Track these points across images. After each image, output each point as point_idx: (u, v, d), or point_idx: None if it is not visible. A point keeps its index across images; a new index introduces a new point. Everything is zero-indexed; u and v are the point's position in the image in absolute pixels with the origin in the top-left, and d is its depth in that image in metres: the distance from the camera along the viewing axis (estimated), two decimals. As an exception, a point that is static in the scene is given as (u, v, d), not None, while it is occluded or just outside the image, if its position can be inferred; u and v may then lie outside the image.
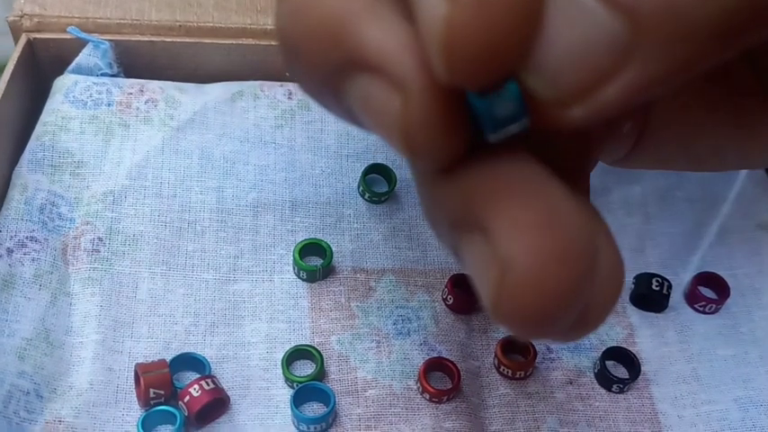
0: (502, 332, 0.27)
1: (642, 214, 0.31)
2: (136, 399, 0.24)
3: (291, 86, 0.31)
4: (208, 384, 0.23)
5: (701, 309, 0.28)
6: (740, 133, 0.20)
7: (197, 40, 0.31)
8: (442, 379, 0.25)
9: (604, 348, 0.27)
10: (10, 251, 0.25)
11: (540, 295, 0.12)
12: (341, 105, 0.14)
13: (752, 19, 0.12)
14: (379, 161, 0.30)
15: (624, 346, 0.27)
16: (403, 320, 0.27)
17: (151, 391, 0.23)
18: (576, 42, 0.12)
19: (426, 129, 0.12)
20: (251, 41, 0.31)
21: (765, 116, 0.19)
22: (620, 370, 0.27)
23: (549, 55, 0.12)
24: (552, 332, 0.13)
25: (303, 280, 0.27)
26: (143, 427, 0.23)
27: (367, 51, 0.12)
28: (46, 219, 0.26)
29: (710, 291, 0.28)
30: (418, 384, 0.25)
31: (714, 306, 0.28)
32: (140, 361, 0.24)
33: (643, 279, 0.28)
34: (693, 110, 0.20)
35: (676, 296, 0.29)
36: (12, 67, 0.28)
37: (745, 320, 0.28)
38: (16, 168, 0.27)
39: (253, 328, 0.26)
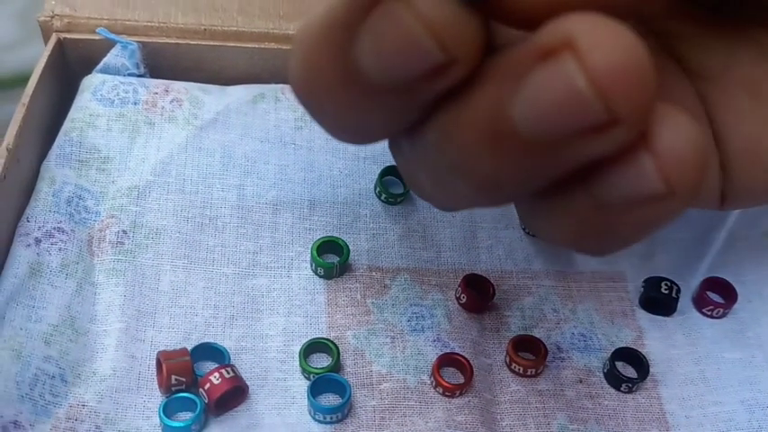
0: (513, 331, 0.28)
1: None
2: (157, 386, 0.24)
3: (311, 90, 0.32)
4: (228, 373, 0.24)
5: (709, 313, 0.29)
6: None
7: (221, 43, 0.32)
8: (454, 374, 0.26)
9: (614, 349, 0.27)
10: (38, 241, 0.26)
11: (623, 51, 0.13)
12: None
13: None
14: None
15: (633, 347, 0.28)
16: (417, 317, 0.27)
17: (173, 377, 0.24)
18: None
19: (443, 22, 0.14)
20: (273, 46, 0.32)
21: None
22: (628, 370, 0.27)
23: None
24: (641, 98, 0.14)
25: (320, 276, 0.28)
26: (164, 413, 0.23)
27: None
28: (73, 211, 0.27)
29: (718, 296, 0.29)
30: (432, 379, 0.26)
31: (721, 311, 0.29)
32: (162, 350, 0.25)
33: (652, 282, 0.29)
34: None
35: (685, 300, 0.29)
36: (42, 66, 0.29)
37: (752, 325, 0.29)
38: (44, 162, 0.28)
39: (270, 322, 0.27)
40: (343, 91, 0.16)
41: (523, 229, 0.30)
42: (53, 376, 0.24)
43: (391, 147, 0.20)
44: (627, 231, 0.17)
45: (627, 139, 0.14)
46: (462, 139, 0.16)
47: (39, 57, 0.30)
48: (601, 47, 0.13)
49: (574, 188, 0.16)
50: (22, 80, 0.30)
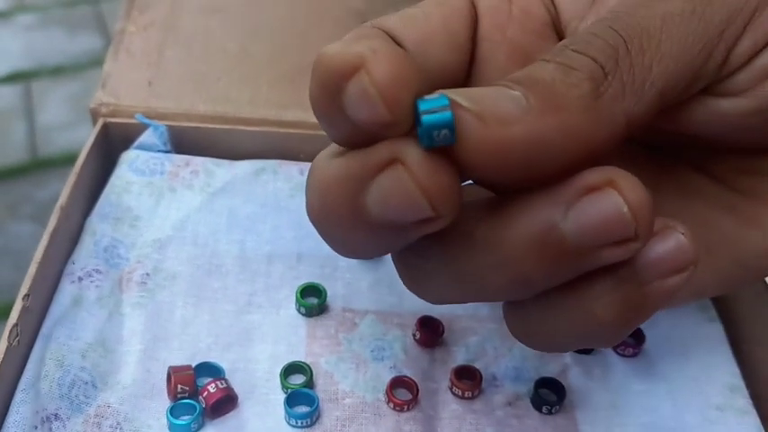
0: (458, 363, 0.34)
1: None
2: (166, 394, 0.31)
3: (303, 165, 0.39)
4: (222, 384, 0.30)
5: (622, 352, 0.35)
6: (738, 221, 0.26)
7: (232, 127, 0.39)
8: (404, 394, 0.32)
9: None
10: (80, 279, 0.33)
11: None
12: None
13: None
14: (369, 225, 0.37)
15: (556, 378, 0.33)
16: (378, 349, 0.34)
17: (179, 386, 0.30)
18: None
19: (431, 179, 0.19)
20: (274, 129, 0.40)
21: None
22: (551, 397, 0.33)
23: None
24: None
25: (302, 315, 0.35)
26: (171, 414, 0.30)
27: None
28: (108, 257, 0.34)
29: (631, 339, 0.35)
30: (385, 396, 0.32)
31: (632, 350, 0.35)
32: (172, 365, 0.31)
33: (575, 326, 0.35)
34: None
35: (604, 342, 0.35)
36: (91, 143, 0.37)
37: (658, 364, 0.35)
38: (88, 218, 0.36)
39: (260, 349, 0.33)
40: (351, 225, 0.21)
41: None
42: (86, 382, 0.30)
43: (400, 257, 0.24)
44: (657, 301, 0.21)
45: (640, 248, 0.20)
46: (512, 245, 0.21)
47: (85, 138, 0.38)
48: (631, 188, 0.19)
49: (617, 277, 0.21)
50: (69, 159, 0.38)
